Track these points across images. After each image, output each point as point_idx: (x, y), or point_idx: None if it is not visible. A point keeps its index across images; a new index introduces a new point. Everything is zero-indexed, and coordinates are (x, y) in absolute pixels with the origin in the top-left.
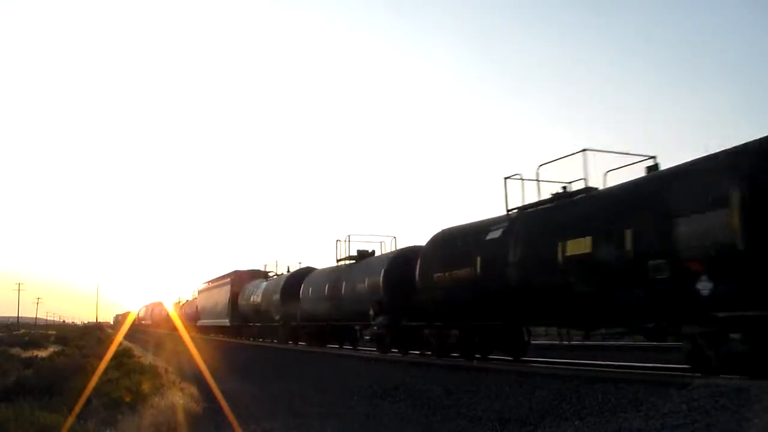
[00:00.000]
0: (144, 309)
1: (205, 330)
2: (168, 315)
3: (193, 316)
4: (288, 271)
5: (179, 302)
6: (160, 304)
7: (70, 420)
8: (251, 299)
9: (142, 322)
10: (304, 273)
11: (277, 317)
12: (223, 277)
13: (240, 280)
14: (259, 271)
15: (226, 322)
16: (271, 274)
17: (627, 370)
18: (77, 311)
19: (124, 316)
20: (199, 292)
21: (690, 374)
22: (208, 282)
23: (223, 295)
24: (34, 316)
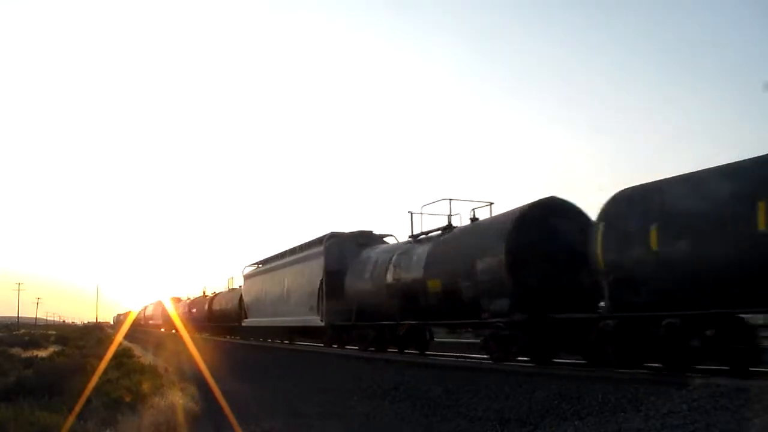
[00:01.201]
0: (152, 306)
1: (260, 332)
2: (188, 313)
3: (232, 314)
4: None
5: (203, 295)
6: (176, 300)
7: (70, 420)
8: (388, 276)
9: (150, 321)
10: (559, 207)
11: (504, 308)
12: (307, 246)
13: (342, 248)
14: (369, 233)
15: (314, 320)
16: (389, 238)
17: (627, 370)
18: (77, 311)
19: (126, 315)
20: (246, 277)
21: (690, 374)
22: (258, 264)
23: (306, 276)
24: (34, 316)
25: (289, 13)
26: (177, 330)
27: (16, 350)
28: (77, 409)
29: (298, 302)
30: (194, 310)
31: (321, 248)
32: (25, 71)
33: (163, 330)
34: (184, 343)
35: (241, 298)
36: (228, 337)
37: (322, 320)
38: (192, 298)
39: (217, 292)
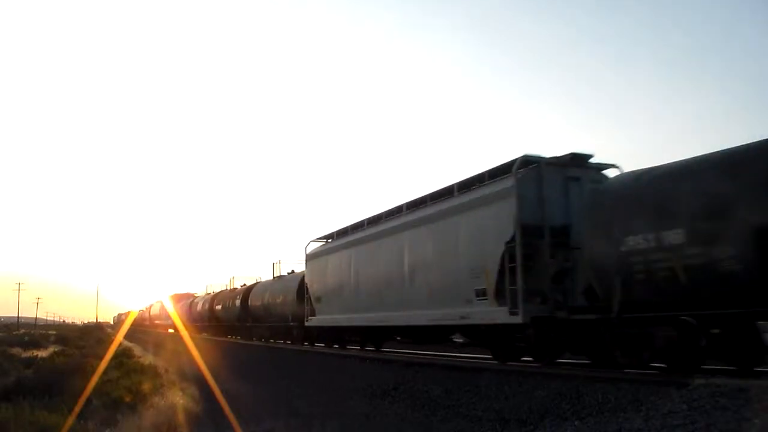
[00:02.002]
0: (158, 306)
1: (345, 336)
2: (211, 310)
3: (283, 310)
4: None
5: (231, 288)
6: (187, 296)
7: (70, 420)
8: (750, 216)
9: (155, 322)
10: None
11: None
12: (467, 183)
13: (543, 185)
14: (586, 159)
15: (496, 314)
16: (610, 171)
17: (627, 370)
18: (77, 311)
19: (127, 315)
20: (312, 258)
21: (690, 374)
22: (330, 236)
23: (466, 238)
24: (34, 316)
25: (290, 8)
26: (177, 330)
27: (16, 350)
28: (77, 409)
29: (446, 285)
30: (219, 307)
31: (509, 184)
32: (25, 72)
33: (171, 331)
34: (184, 343)
35: (301, 288)
36: (283, 342)
37: (516, 312)
38: (215, 292)
39: (249, 283)
